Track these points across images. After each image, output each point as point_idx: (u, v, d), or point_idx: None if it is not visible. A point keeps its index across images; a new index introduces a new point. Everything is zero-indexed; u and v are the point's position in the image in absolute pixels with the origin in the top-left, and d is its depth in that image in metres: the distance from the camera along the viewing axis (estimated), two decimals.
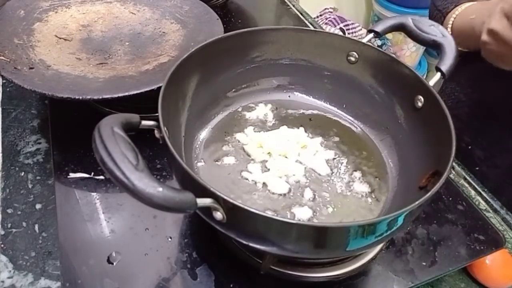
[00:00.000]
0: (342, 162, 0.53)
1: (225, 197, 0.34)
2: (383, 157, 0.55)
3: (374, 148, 0.56)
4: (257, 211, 0.34)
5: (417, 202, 0.36)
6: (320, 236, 0.37)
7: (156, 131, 0.40)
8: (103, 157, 0.31)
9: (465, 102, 0.71)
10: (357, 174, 0.52)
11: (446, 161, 0.40)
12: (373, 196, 0.50)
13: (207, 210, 0.35)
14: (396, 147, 0.54)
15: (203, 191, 0.34)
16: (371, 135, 0.57)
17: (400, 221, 0.37)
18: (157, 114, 0.40)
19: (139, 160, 0.32)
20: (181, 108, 0.50)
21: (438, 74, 0.50)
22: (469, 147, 0.69)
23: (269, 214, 0.34)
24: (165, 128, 0.40)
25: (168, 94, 0.44)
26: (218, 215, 0.35)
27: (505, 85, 0.66)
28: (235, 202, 0.34)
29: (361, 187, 0.51)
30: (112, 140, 0.32)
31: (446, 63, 0.50)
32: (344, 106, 0.60)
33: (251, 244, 0.39)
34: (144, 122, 0.39)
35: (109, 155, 0.31)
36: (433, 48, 0.53)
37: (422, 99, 0.49)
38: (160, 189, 0.31)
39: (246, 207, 0.34)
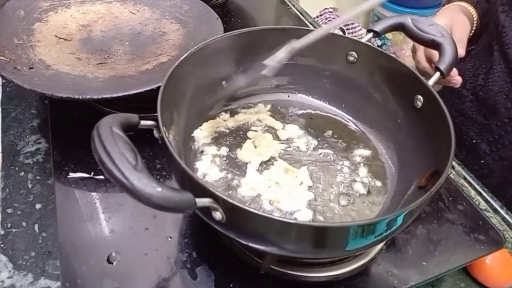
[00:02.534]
0: (341, 162, 0.53)
1: (224, 197, 0.34)
2: (382, 156, 0.55)
3: (373, 148, 0.56)
4: (256, 211, 0.34)
5: (416, 202, 0.36)
6: (320, 236, 0.37)
7: (155, 131, 0.40)
8: (102, 157, 0.31)
9: (468, 97, 0.72)
10: (356, 173, 0.52)
11: (445, 161, 0.40)
12: (372, 196, 0.50)
13: (207, 210, 0.35)
14: (396, 147, 0.54)
15: (202, 191, 0.34)
16: (370, 135, 0.57)
17: (400, 221, 0.37)
18: (157, 114, 0.40)
19: (138, 160, 0.32)
20: (180, 108, 0.50)
21: (437, 74, 0.50)
22: (474, 141, 0.70)
23: (268, 214, 0.34)
24: (164, 128, 0.40)
25: (167, 94, 0.44)
26: (218, 215, 0.35)
27: (506, 79, 0.66)
28: (234, 202, 0.34)
29: (360, 187, 0.51)
30: (111, 140, 0.32)
31: (445, 63, 0.50)
32: (343, 106, 0.60)
33: (250, 244, 0.39)
34: (143, 122, 0.39)
35: (108, 155, 0.31)
36: (432, 47, 0.53)
37: (422, 99, 0.49)
38: (159, 189, 0.31)
39: (245, 207, 0.34)
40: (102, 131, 0.32)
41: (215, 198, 0.34)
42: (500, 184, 0.61)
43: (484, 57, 0.72)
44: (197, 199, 0.33)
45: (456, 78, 0.58)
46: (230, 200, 0.34)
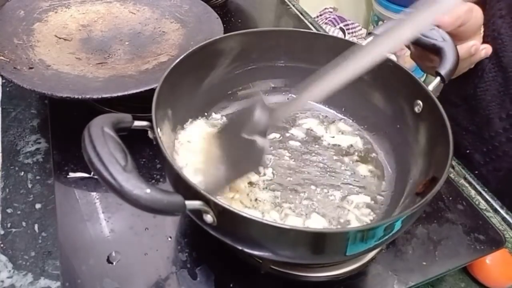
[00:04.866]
0: (340, 165, 0.53)
1: (215, 200, 0.33)
2: (380, 161, 0.54)
3: (372, 151, 0.55)
4: (247, 215, 0.33)
5: (411, 209, 0.36)
6: (318, 242, 0.36)
7: (149, 132, 0.40)
8: (91, 157, 0.31)
9: (462, 106, 0.70)
10: (354, 177, 0.52)
11: (443, 168, 0.40)
12: (370, 200, 0.50)
13: (198, 212, 0.35)
14: (394, 152, 0.54)
15: (194, 193, 0.34)
16: (369, 139, 0.57)
17: (398, 226, 0.37)
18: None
19: (128, 161, 0.31)
20: (177, 108, 0.49)
21: (438, 79, 0.49)
22: (468, 151, 0.69)
23: (260, 219, 0.33)
24: (159, 129, 0.40)
25: (164, 94, 0.44)
26: (209, 218, 0.35)
27: (498, 88, 0.65)
28: (225, 205, 0.33)
29: (358, 190, 0.50)
30: (101, 140, 0.32)
31: (446, 67, 0.49)
32: (343, 110, 0.59)
33: (245, 250, 0.38)
34: (137, 123, 0.38)
35: (97, 155, 0.31)
36: (433, 52, 0.52)
37: (421, 104, 0.49)
38: (148, 190, 0.30)
39: (236, 211, 0.33)
40: (92, 131, 0.32)
41: (206, 200, 0.34)
42: (495, 194, 0.60)
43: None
44: (187, 202, 0.33)
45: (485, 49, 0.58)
46: (221, 203, 0.33)
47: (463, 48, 0.57)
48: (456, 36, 0.56)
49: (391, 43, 0.35)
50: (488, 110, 0.66)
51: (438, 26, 0.53)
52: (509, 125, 0.64)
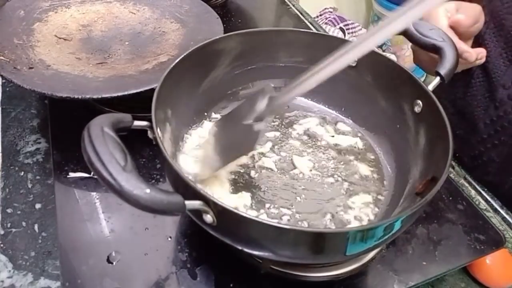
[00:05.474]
0: (339, 166, 0.53)
1: (215, 200, 0.33)
2: (380, 161, 0.54)
3: (371, 151, 0.55)
4: (246, 215, 0.33)
5: (411, 209, 0.36)
6: (317, 242, 0.36)
7: (149, 132, 0.40)
8: (91, 157, 0.31)
9: (450, 110, 0.70)
10: (354, 177, 0.52)
11: (442, 168, 0.40)
12: (370, 200, 0.50)
13: (198, 212, 0.35)
14: (394, 152, 0.54)
15: (193, 193, 0.34)
16: (369, 139, 0.57)
17: (398, 226, 0.37)
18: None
19: (127, 161, 0.31)
20: (176, 108, 0.49)
21: (438, 78, 0.49)
22: (457, 155, 0.69)
23: (259, 218, 0.33)
24: (159, 129, 0.40)
25: (163, 95, 0.44)
26: (208, 218, 0.35)
27: (484, 93, 0.65)
28: (224, 205, 0.33)
29: (358, 190, 0.50)
30: (101, 140, 0.32)
31: (446, 67, 0.49)
32: (343, 110, 0.59)
33: (245, 250, 0.38)
34: (137, 123, 0.38)
35: (97, 155, 0.31)
36: (433, 51, 0.52)
37: (421, 104, 0.49)
38: (148, 190, 0.30)
39: (235, 211, 0.33)
40: (92, 131, 0.32)
41: (206, 200, 0.34)
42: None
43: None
44: (187, 202, 0.33)
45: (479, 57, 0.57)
46: (221, 203, 0.33)
47: (471, 52, 0.57)
48: (461, 35, 0.56)
49: (382, 34, 0.35)
50: (474, 115, 0.66)
51: (452, 27, 0.54)
52: (493, 131, 0.64)
